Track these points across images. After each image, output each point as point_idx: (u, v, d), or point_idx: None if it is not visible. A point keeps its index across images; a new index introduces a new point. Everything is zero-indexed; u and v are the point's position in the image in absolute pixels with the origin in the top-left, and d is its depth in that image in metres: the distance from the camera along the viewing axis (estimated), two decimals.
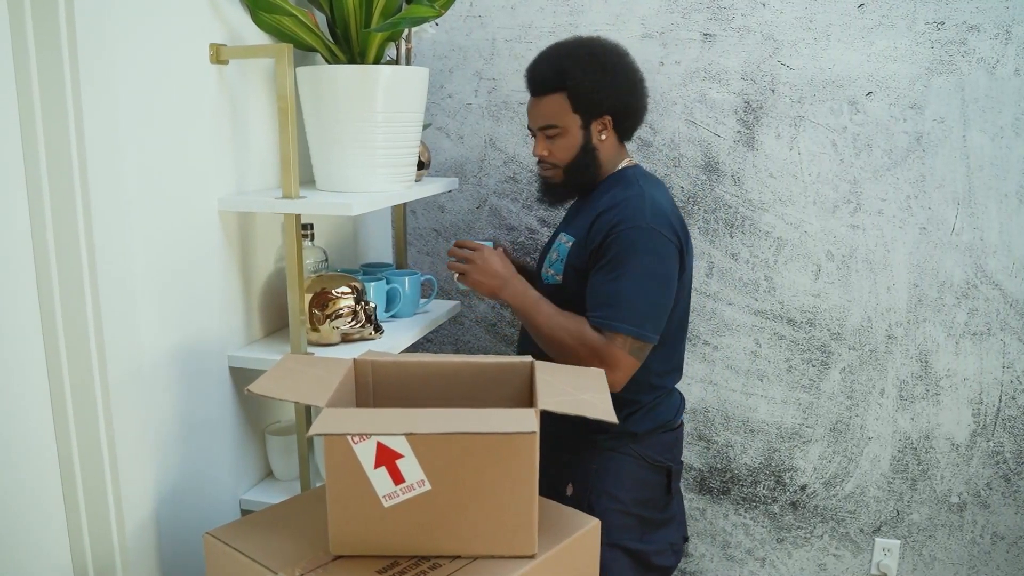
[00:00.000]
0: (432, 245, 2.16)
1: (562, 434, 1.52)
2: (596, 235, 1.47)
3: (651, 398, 1.55)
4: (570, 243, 1.54)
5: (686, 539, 1.65)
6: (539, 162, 1.60)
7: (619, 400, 1.45)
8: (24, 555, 1.13)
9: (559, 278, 1.55)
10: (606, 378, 1.19)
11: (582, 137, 1.53)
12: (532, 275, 1.78)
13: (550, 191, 1.63)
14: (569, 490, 1.54)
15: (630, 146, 1.94)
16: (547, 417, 1.47)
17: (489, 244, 1.60)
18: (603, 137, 1.54)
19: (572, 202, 1.68)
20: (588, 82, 1.49)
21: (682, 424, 1.64)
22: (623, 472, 1.53)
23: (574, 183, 1.58)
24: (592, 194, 1.57)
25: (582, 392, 1.11)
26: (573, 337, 1.42)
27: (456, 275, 1.54)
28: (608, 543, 1.41)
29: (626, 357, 1.41)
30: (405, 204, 1.99)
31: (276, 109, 1.53)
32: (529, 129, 1.61)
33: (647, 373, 1.50)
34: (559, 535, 1.09)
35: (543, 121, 1.54)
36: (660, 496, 1.57)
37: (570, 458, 1.55)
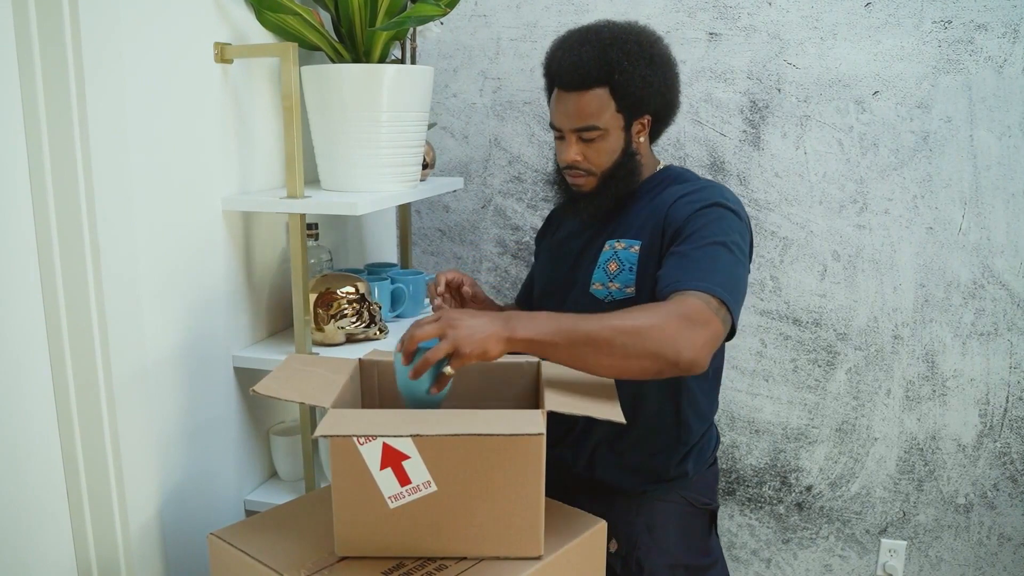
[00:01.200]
0: (437, 245, 2.16)
1: (607, 482, 1.39)
2: (674, 220, 1.25)
3: (704, 431, 1.41)
4: (636, 247, 1.30)
5: None
6: (568, 167, 1.36)
7: (681, 439, 1.36)
8: (28, 555, 1.13)
9: (631, 290, 1.29)
10: (689, 353, 1.04)
11: (623, 140, 1.32)
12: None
13: (581, 202, 1.37)
14: (613, 546, 1.35)
15: None
16: (589, 462, 1.40)
17: (429, 277, 1.41)
18: (641, 139, 1.35)
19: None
20: (638, 77, 1.28)
21: (717, 458, 1.51)
22: (670, 522, 1.38)
23: (611, 193, 1.34)
24: (631, 197, 1.37)
25: (589, 393, 1.10)
26: (646, 315, 1.08)
27: (445, 369, 1.04)
28: None
29: (714, 318, 1.10)
30: (410, 204, 1.99)
31: (281, 108, 1.53)
32: (555, 128, 1.36)
33: (698, 399, 1.37)
34: (565, 536, 1.08)
35: (580, 121, 1.30)
36: (705, 540, 1.44)
37: (611, 510, 1.29)
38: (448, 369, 1.03)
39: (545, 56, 1.37)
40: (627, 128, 1.33)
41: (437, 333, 1.03)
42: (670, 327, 1.06)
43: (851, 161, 1.83)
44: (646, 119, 1.34)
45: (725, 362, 1.96)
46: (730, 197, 1.30)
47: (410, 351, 1.05)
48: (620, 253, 1.32)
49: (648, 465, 1.38)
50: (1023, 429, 1.84)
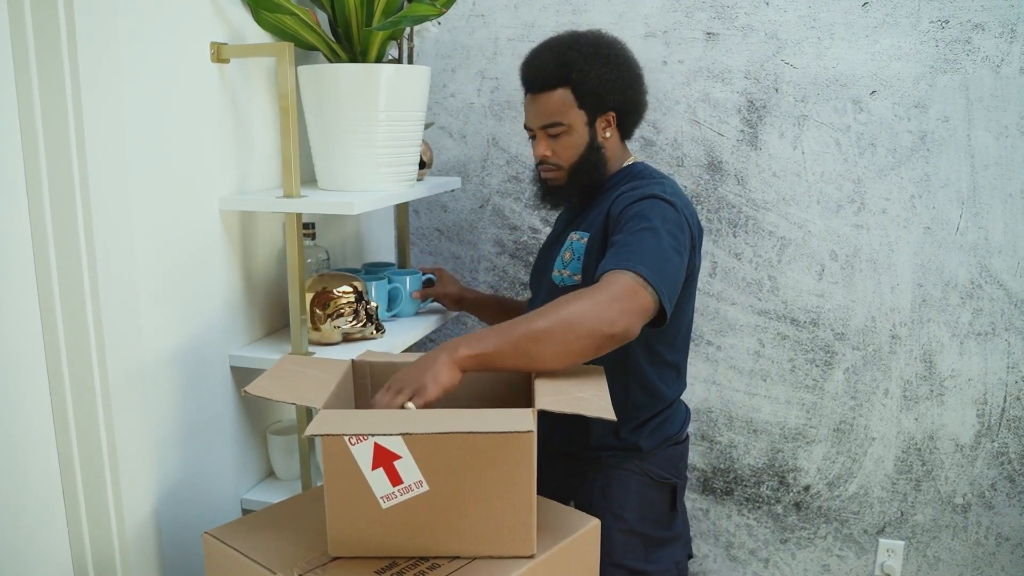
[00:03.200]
0: (435, 245, 2.16)
1: (565, 449, 1.49)
2: (613, 215, 1.36)
3: (658, 411, 1.47)
4: (585, 239, 1.44)
5: (691, 556, 1.59)
6: (539, 164, 1.50)
7: (625, 415, 1.43)
8: (25, 554, 1.14)
9: (577, 277, 1.44)
10: (618, 321, 1.13)
11: (588, 135, 1.45)
12: (487, 300, 1.81)
13: (552, 194, 1.52)
14: (570, 506, 1.43)
15: (632, 145, 1.94)
16: (550, 431, 1.48)
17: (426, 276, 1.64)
18: (607, 135, 1.47)
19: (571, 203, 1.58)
20: (594, 75, 1.41)
21: (688, 437, 1.57)
22: (627, 490, 1.46)
23: (579, 185, 1.48)
24: (600, 194, 1.49)
25: (580, 391, 1.10)
26: (575, 300, 1.16)
27: (407, 405, 1.08)
28: (611, 563, 1.40)
29: (641, 289, 1.19)
30: (408, 203, 1.99)
31: (277, 108, 1.53)
32: (527, 129, 1.51)
33: (653, 383, 1.44)
34: (558, 535, 1.08)
35: (545, 119, 1.45)
36: (664, 513, 1.50)
37: (572, 474, 1.49)
38: (409, 404, 1.07)
39: (520, 67, 1.51)
40: (591, 124, 1.45)
41: (392, 396, 1.10)
42: (597, 305, 1.16)
43: (849, 161, 1.83)
44: (610, 115, 1.46)
45: (722, 361, 1.98)
46: (669, 190, 1.38)
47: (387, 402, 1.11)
48: (574, 244, 1.46)
49: (599, 436, 1.46)
50: (1021, 429, 1.83)
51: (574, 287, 1.41)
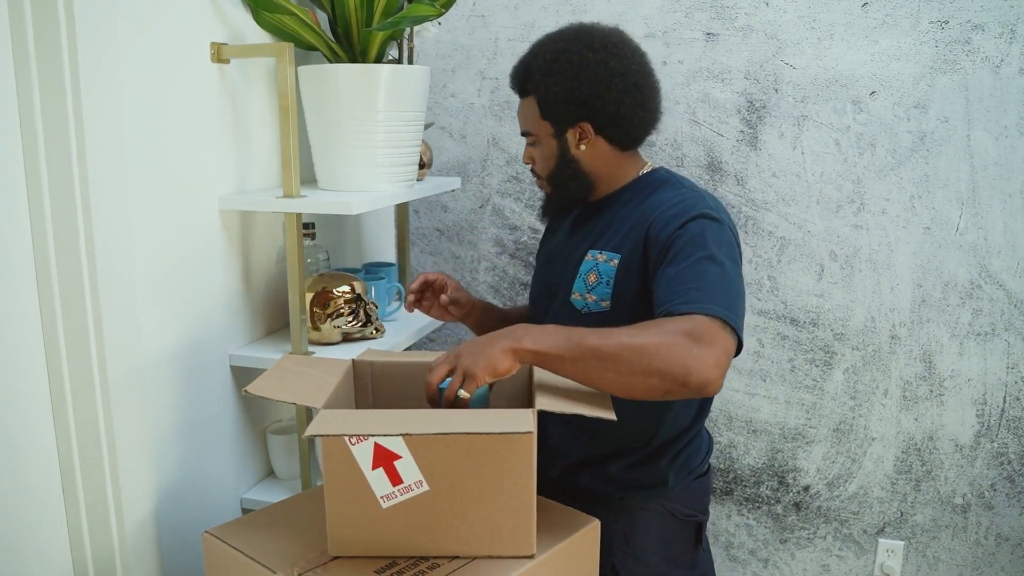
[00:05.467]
0: (435, 245, 2.16)
1: (585, 489, 1.38)
2: (657, 237, 1.23)
3: (683, 442, 1.37)
4: (615, 260, 1.29)
5: None
6: (531, 170, 1.43)
7: (651, 446, 1.35)
8: (25, 553, 1.14)
9: (606, 304, 1.29)
10: (699, 374, 1.02)
11: (556, 147, 1.34)
12: (488, 308, 1.61)
13: (546, 204, 1.44)
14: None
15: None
16: (567, 471, 1.41)
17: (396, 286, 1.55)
18: (582, 147, 1.33)
19: (575, 214, 1.45)
20: (553, 86, 1.30)
21: (710, 468, 1.47)
22: (650, 531, 1.37)
23: (562, 198, 1.39)
24: (614, 203, 1.36)
25: (579, 393, 1.10)
26: (654, 332, 1.06)
27: (460, 393, 1.06)
28: None
29: (722, 335, 1.07)
30: (408, 203, 1.99)
31: (277, 108, 1.53)
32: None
33: (681, 412, 1.35)
34: (558, 535, 1.09)
35: (521, 126, 1.39)
36: (688, 551, 1.42)
37: (593, 515, 1.28)
38: (462, 392, 1.05)
39: None
40: (559, 136, 1.34)
41: (447, 370, 1.07)
42: (677, 345, 1.04)
43: (848, 161, 1.83)
44: (583, 126, 1.32)
45: None
46: (712, 205, 1.27)
47: (432, 396, 1.08)
48: (600, 266, 1.31)
49: (622, 474, 1.37)
50: (1020, 429, 1.84)
51: (600, 314, 1.30)
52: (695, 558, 1.43)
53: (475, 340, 1.09)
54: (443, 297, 1.49)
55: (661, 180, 1.36)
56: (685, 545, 1.41)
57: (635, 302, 1.25)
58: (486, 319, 1.58)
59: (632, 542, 1.36)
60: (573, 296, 1.34)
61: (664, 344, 1.03)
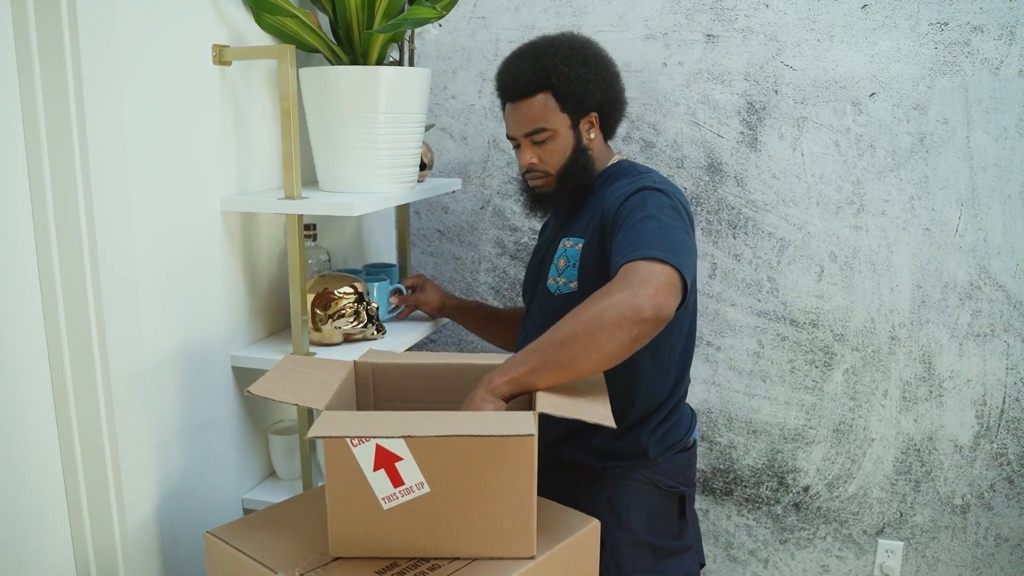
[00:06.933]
0: (435, 246, 2.17)
1: (571, 460, 1.45)
2: (608, 216, 1.34)
3: (663, 415, 1.44)
4: (579, 245, 1.41)
5: (703, 565, 1.55)
6: (527, 172, 1.48)
7: (628, 419, 1.42)
8: (27, 554, 1.14)
9: (574, 284, 1.40)
10: (647, 304, 1.09)
11: (573, 137, 1.44)
12: (469, 307, 1.80)
13: (542, 201, 1.51)
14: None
15: (632, 147, 1.94)
16: (556, 442, 1.45)
17: (394, 285, 1.67)
18: (592, 136, 1.45)
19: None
20: (574, 77, 1.40)
21: (695, 443, 1.53)
22: (633, 501, 1.43)
23: (568, 189, 1.46)
24: (589, 196, 1.47)
25: (581, 396, 1.11)
26: (594, 298, 1.14)
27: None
28: (620, 575, 1.39)
29: (659, 267, 1.15)
30: (408, 204, 1.99)
31: (279, 110, 1.53)
32: (510, 139, 1.49)
33: (656, 384, 1.42)
34: (558, 536, 1.09)
35: (529, 126, 1.43)
36: (673, 523, 1.47)
37: (577, 487, 1.43)
38: None
39: (494, 77, 1.50)
40: (575, 127, 1.44)
41: None
42: (618, 292, 1.13)
43: (848, 162, 1.83)
44: (592, 116, 1.45)
45: (722, 362, 1.98)
46: (657, 180, 1.37)
47: None
48: (568, 251, 1.43)
49: (605, 444, 1.43)
50: (1020, 430, 1.84)
51: (570, 295, 1.39)
52: (680, 529, 1.49)
53: (467, 398, 1.15)
54: (417, 296, 1.73)
55: (622, 170, 1.47)
56: (669, 517, 1.47)
57: (600, 280, 1.30)
58: (474, 318, 1.80)
59: (616, 510, 1.42)
60: (548, 281, 1.46)
61: (607, 300, 1.12)
